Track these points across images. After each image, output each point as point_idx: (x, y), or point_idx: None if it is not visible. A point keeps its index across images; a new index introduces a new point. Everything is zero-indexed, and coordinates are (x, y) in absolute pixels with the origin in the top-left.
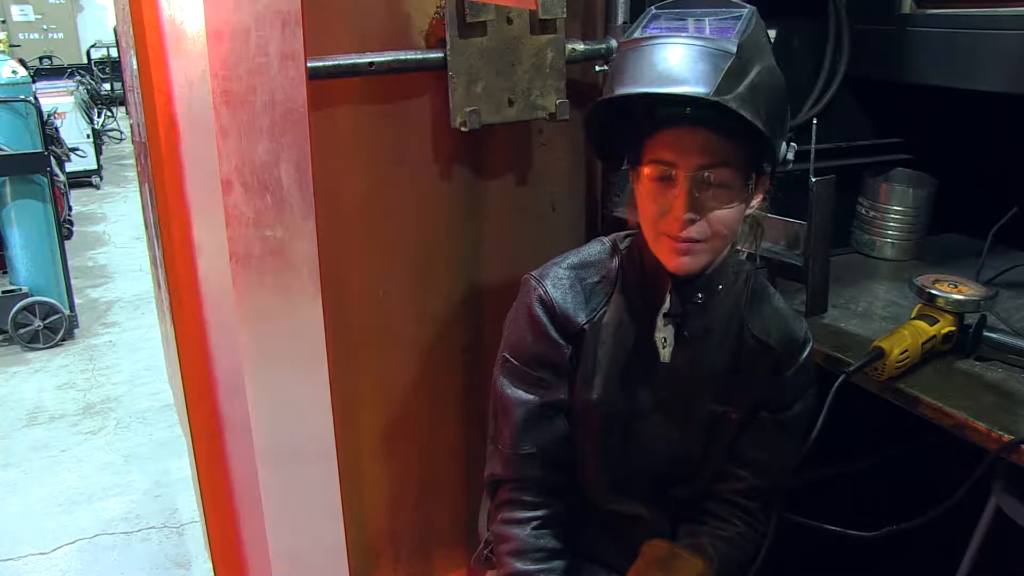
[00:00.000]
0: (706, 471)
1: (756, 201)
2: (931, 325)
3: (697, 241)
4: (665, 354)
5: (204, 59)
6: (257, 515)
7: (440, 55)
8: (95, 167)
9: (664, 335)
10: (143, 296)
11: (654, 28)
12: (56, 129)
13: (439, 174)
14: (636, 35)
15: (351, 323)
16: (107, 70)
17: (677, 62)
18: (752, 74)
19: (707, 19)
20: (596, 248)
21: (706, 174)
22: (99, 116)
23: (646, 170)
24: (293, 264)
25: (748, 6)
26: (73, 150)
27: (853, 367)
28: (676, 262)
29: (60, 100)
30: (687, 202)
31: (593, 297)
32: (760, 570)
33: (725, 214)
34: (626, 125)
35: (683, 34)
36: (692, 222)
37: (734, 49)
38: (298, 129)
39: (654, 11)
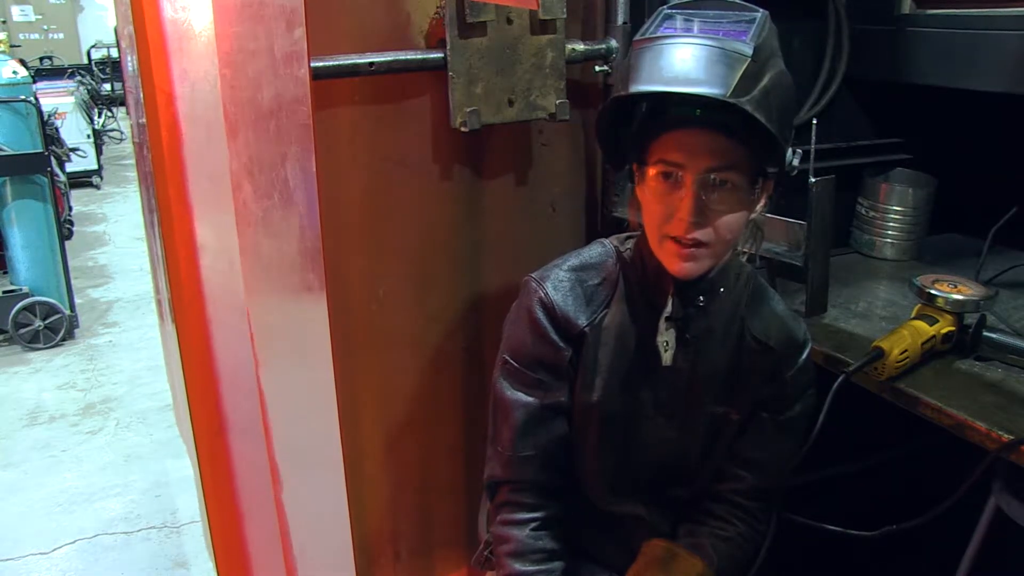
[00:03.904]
0: (706, 472)
1: (760, 205)
2: (931, 325)
3: (701, 244)
4: (667, 357)
5: (206, 59)
6: (264, 514)
7: (440, 55)
8: (95, 167)
9: (666, 339)
10: (143, 296)
11: (667, 28)
12: (56, 129)
13: (439, 174)
14: (650, 34)
15: (351, 323)
16: (107, 70)
17: (694, 62)
18: (766, 78)
19: (721, 21)
20: (597, 250)
21: (713, 177)
22: (99, 116)
23: (652, 171)
24: (299, 262)
25: (761, 9)
26: (73, 150)
27: (853, 367)
28: (679, 266)
29: (60, 100)
30: (693, 204)
31: (594, 299)
32: (760, 570)
33: (730, 218)
34: (633, 125)
35: (699, 35)
36: (698, 225)
37: (750, 52)
38: (303, 129)
39: (666, 11)
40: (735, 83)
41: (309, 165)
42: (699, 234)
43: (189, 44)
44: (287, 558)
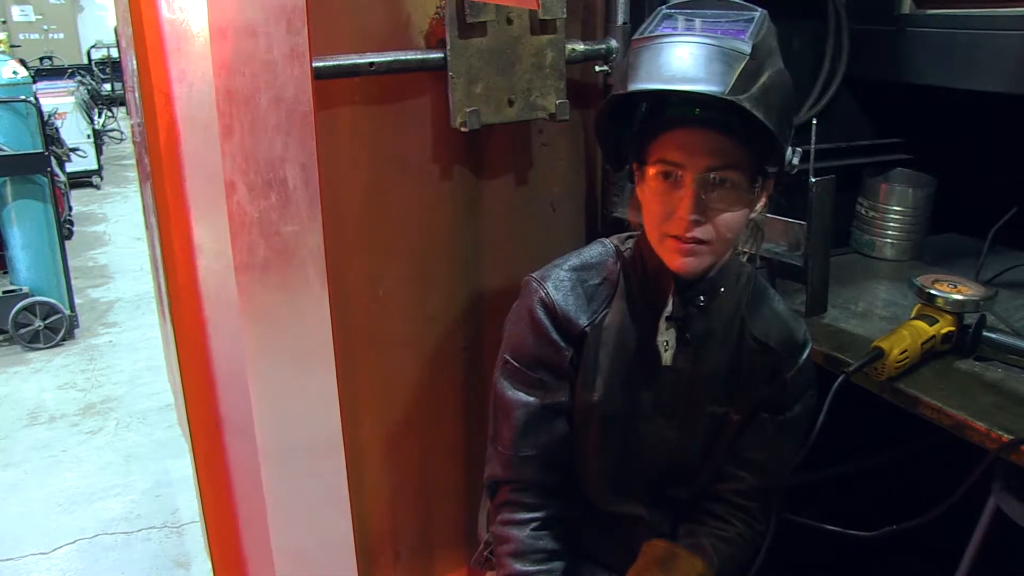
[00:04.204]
0: (706, 472)
1: (760, 204)
2: (931, 325)
3: (702, 242)
4: (667, 357)
5: (205, 59)
6: (259, 514)
7: (440, 55)
8: (95, 167)
9: (666, 338)
10: (143, 296)
11: (666, 27)
12: (56, 129)
13: (439, 174)
14: (649, 33)
15: (351, 323)
16: (107, 70)
17: (692, 60)
18: (765, 76)
19: (720, 20)
20: (598, 250)
21: (713, 176)
22: (99, 116)
23: (652, 170)
24: (299, 262)
25: (759, 8)
26: (73, 150)
27: (853, 367)
28: (679, 262)
29: (60, 100)
30: (693, 204)
31: (595, 299)
32: (760, 570)
33: (730, 217)
34: (633, 124)
35: (697, 33)
36: (697, 224)
37: (748, 50)
38: (304, 128)
39: (665, 10)
40: (733, 80)
41: (310, 165)
42: (699, 232)
43: (187, 45)
44: (274, 557)
